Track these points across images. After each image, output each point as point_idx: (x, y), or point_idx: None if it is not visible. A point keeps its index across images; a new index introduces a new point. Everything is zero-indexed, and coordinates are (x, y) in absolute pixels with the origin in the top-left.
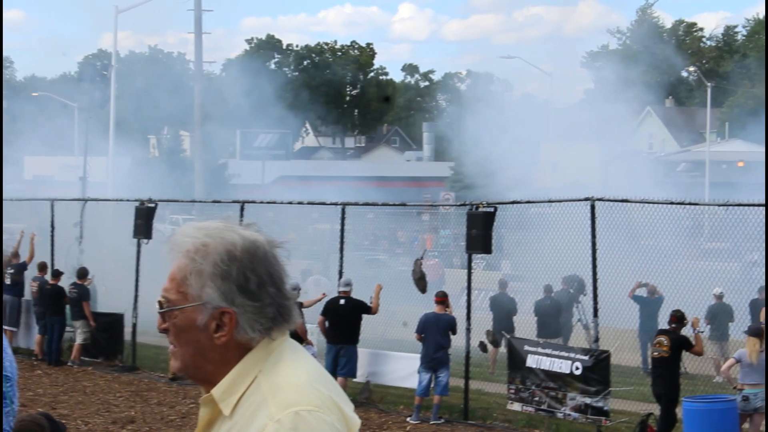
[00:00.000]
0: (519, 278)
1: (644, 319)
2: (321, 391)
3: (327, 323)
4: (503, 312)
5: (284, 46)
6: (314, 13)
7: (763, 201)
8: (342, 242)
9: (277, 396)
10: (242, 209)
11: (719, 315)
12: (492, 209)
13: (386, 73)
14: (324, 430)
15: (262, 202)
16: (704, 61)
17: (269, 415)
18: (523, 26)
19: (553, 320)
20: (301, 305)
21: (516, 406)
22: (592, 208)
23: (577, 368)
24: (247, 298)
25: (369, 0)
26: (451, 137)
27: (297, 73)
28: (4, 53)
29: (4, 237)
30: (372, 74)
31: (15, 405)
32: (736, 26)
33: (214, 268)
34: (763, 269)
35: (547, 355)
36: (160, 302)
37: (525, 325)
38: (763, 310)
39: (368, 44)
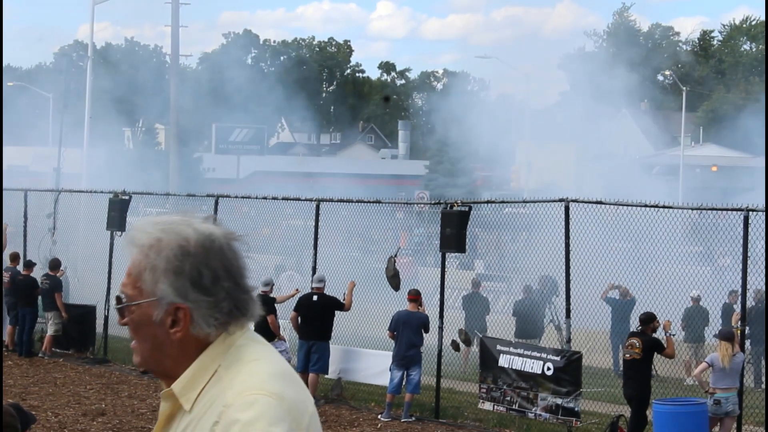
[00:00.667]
0: (492, 278)
1: (616, 321)
2: (274, 389)
3: (299, 319)
4: (476, 311)
5: (261, 41)
6: (292, 9)
7: (738, 205)
8: (316, 238)
9: (236, 390)
10: (216, 203)
11: (695, 318)
12: (466, 208)
13: (363, 71)
14: (278, 416)
15: (236, 197)
16: (680, 66)
17: (225, 403)
18: (501, 26)
19: (532, 321)
20: (273, 300)
21: (487, 406)
22: (567, 209)
23: (548, 369)
24: (200, 293)
25: None
26: (426, 136)
27: (273, 69)
28: None
29: None
30: (348, 71)
31: None
32: (712, 31)
33: (167, 264)
34: (735, 274)
35: (519, 355)
36: (118, 297)
37: (498, 324)
38: (735, 314)
39: (345, 41)
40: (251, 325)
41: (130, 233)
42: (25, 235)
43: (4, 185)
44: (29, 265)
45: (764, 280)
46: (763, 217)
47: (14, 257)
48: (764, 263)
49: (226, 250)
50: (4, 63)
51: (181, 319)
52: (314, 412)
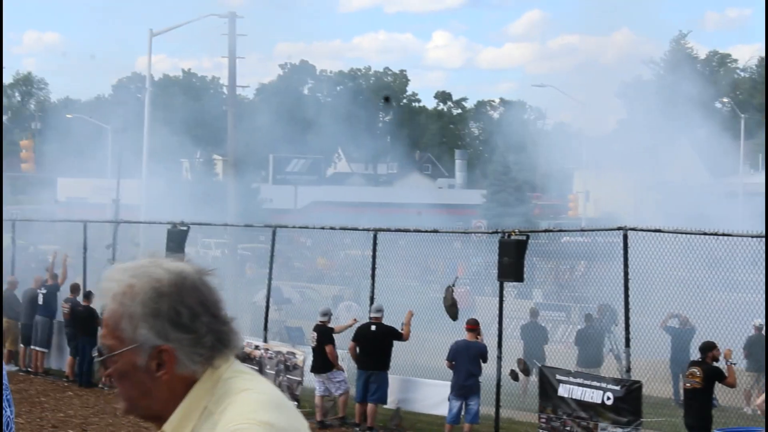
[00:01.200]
0: (550, 307)
1: (676, 350)
2: (266, 421)
3: (358, 349)
4: (534, 341)
5: (318, 72)
6: (348, 40)
7: None
8: (374, 268)
9: (224, 419)
10: (274, 234)
11: (757, 346)
12: (524, 237)
13: (419, 100)
14: None
15: (294, 227)
16: (738, 93)
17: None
18: (557, 55)
19: (593, 349)
20: (332, 330)
21: None
22: (625, 237)
23: (608, 398)
24: (181, 331)
25: (403, 27)
26: (483, 164)
27: (330, 99)
28: (40, 75)
29: (38, 258)
30: (405, 101)
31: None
32: None
33: (143, 308)
34: None
35: (579, 384)
36: (98, 350)
37: (557, 354)
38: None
39: (401, 70)
40: (235, 358)
41: (101, 284)
42: (84, 266)
43: (65, 217)
44: (89, 295)
45: None
46: None
47: (74, 288)
48: None
49: (199, 285)
50: (64, 95)
51: (166, 361)
52: None
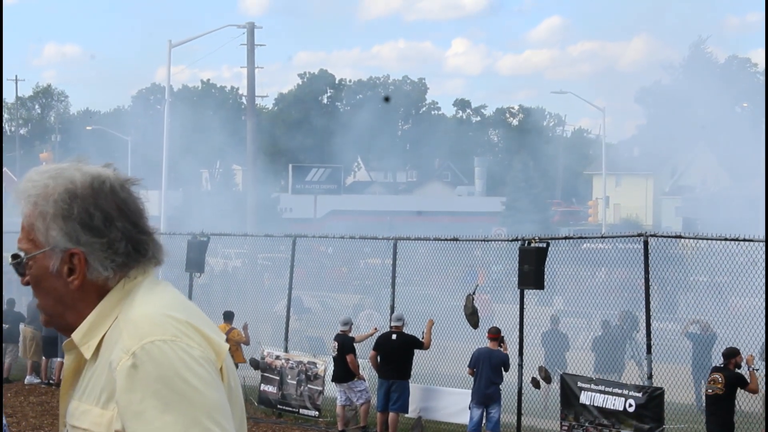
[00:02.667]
0: (571, 314)
1: (697, 357)
2: (175, 318)
3: (379, 358)
4: (555, 348)
5: (337, 81)
6: (368, 48)
7: None
8: (394, 277)
9: (131, 329)
10: (294, 243)
11: None
12: (544, 245)
13: (438, 108)
14: (181, 357)
15: (314, 237)
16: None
17: (123, 348)
18: (576, 61)
19: (612, 356)
20: (353, 340)
21: None
22: (645, 244)
23: (630, 405)
24: (92, 235)
25: (423, 35)
26: (502, 172)
27: (349, 108)
28: (60, 87)
29: None
30: (424, 109)
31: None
32: None
33: (55, 209)
34: None
35: (601, 391)
36: (13, 255)
37: (578, 361)
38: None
39: (420, 79)
40: (155, 270)
41: (19, 185)
42: None
43: None
44: None
45: None
46: None
47: None
48: None
49: (118, 190)
50: (84, 107)
51: (77, 265)
52: (216, 340)
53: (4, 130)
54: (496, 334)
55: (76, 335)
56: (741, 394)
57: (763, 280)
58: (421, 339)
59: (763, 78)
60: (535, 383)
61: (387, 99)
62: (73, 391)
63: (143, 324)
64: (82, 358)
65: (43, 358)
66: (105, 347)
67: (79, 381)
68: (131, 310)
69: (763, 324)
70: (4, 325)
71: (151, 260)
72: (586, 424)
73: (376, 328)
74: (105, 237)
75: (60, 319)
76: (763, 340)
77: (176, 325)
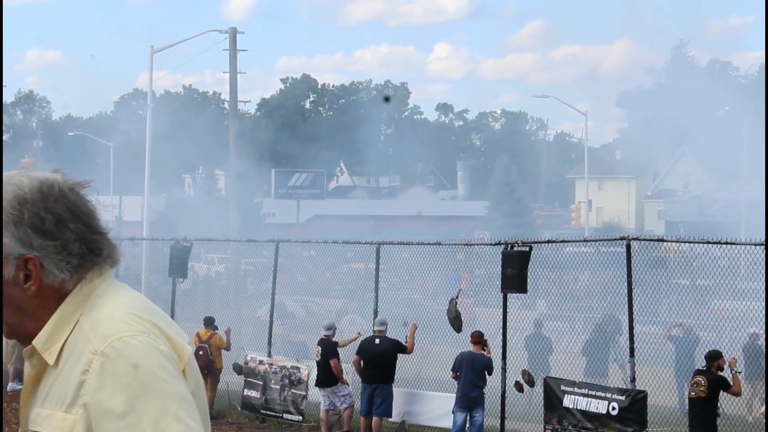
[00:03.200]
0: (555, 318)
1: (680, 359)
2: (140, 317)
3: (362, 363)
4: (539, 351)
5: (319, 86)
6: (350, 53)
7: None
8: (377, 281)
9: (97, 330)
10: (277, 248)
11: (749, 354)
12: (527, 248)
13: (421, 113)
14: (149, 351)
15: (297, 242)
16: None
17: (92, 350)
18: (559, 65)
19: (596, 359)
20: (336, 344)
21: None
22: (628, 247)
23: (613, 408)
24: (45, 238)
25: (405, 39)
26: (485, 176)
27: (332, 113)
28: (42, 92)
29: None
30: (407, 113)
31: None
32: None
33: (6, 217)
34: None
35: (584, 395)
36: None
37: (561, 364)
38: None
39: (402, 83)
40: (112, 272)
41: None
42: None
43: None
44: None
45: None
46: None
47: None
48: None
49: (67, 193)
50: (65, 113)
51: (32, 270)
52: (180, 343)
53: None
54: (479, 338)
55: (37, 342)
56: (723, 397)
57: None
58: (404, 343)
59: (744, 81)
60: (519, 387)
61: (387, 99)
62: (33, 399)
63: (109, 324)
64: (43, 365)
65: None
66: (67, 352)
67: (41, 387)
68: (95, 312)
69: (745, 327)
70: None
71: (107, 260)
72: (570, 428)
73: (359, 333)
74: (58, 239)
75: (20, 328)
76: (745, 343)
77: (141, 323)
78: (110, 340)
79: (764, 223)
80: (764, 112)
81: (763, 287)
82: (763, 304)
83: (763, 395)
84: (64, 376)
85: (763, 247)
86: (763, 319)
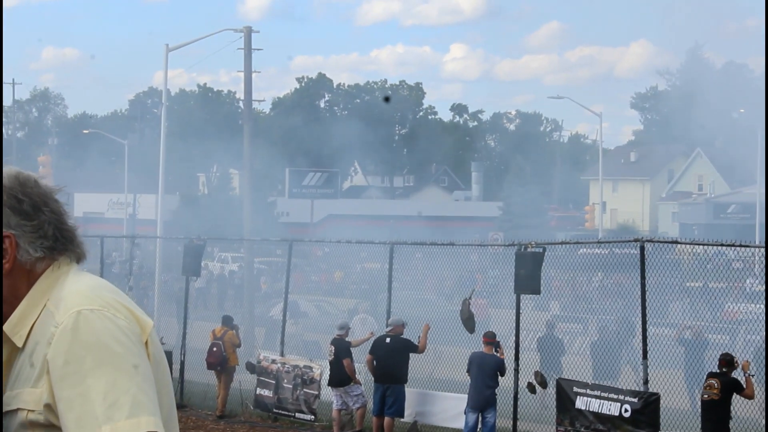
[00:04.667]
0: (568, 319)
1: (690, 362)
2: (103, 294)
3: (375, 362)
4: (551, 353)
5: (335, 85)
6: (366, 53)
7: None
8: (390, 281)
9: (60, 305)
10: (290, 248)
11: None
12: (541, 250)
13: (435, 113)
14: (106, 326)
15: (310, 241)
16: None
17: (55, 323)
18: (574, 66)
19: (609, 361)
20: (349, 344)
21: None
22: (642, 249)
23: (626, 410)
24: (21, 218)
25: (421, 40)
26: (499, 177)
27: (347, 112)
28: (57, 90)
29: None
30: (421, 114)
31: None
32: None
33: None
34: None
35: (596, 396)
36: None
37: (574, 366)
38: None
39: (417, 83)
40: (81, 264)
41: None
42: None
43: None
44: None
45: None
46: None
47: None
48: None
49: (42, 187)
50: (80, 111)
51: (8, 248)
52: (142, 317)
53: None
54: (491, 339)
55: (7, 326)
56: (736, 400)
57: (760, 286)
58: (416, 343)
59: (760, 83)
60: (531, 388)
61: (387, 99)
62: (6, 383)
63: (71, 298)
64: (12, 349)
65: None
66: (33, 334)
67: (11, 371)
68: (61, 291)
69: (758, 330)
70: None
71: (76, 250)
72: (582, 429)
73: (372, 333)
74: (34, 220)
75: None
76: (758, 345)
77: (104, 298)
78: (70, 311)
79: (764, 223)
80: (764, 111)
81: None
82: None
83: None
84: (30, 355)
85: None
86: None
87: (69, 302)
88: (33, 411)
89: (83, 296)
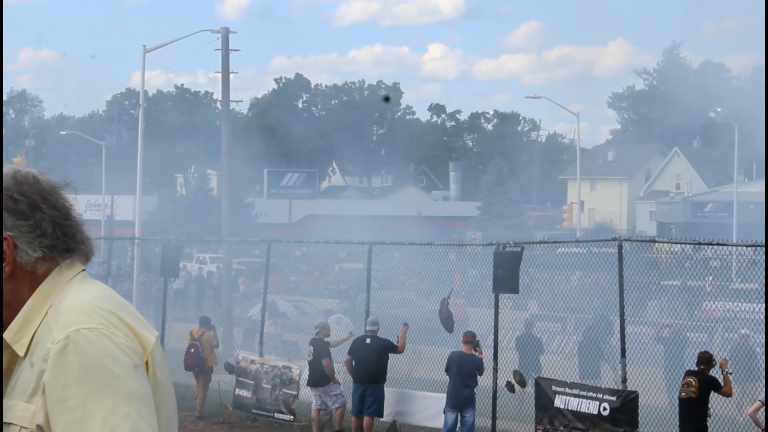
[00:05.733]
0: (546, 318)
1: (669, 360)
2: (102, 308)
3: (354, 362)
4: (530, 352)
5: (313, 86)
6: (345, 53)
7: None
8: (368, 281)
9: (59, 320)
10: (269, 248)
11: (739, 355)
12: (519, 249)
13: (413, 113)
14: (105, 345)
15: (288, 242)
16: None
17: (52, 339)
18: (552, 66)
19: (593, 361)
20: (328, 344)
21: None
22: (620, 248)
23: (604, 409)
24: (18, 218)
25: (400, 40)
26: (477, 176)
27: (324, 113)
28: (34, 92)
29: None
30: (399, 113)
31: None
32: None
33: None
34: None
35: (575, 395)
36: None
37: (553, 365)
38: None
39: (395, 83)
40: (85, 266)
41: None
42: None
43: None
44: None
45: None
46: None
47: None
48: None
49: (41, 182)
50: (58, 112)
51: (6, 251)
52: (143, 334)
53: None
54: (470, 338)
55: (8, 333)
56: (714, 397)
57: (738, 285)
58: (395, 343)
59: (738, 83)
60: (510, 387)
61: (387, 99)
62: (6, 391)
63: (70, 314)
64: (13, 356)
65: None
66: (35, 343)
67: (11, 379)
68: (61, 302)
69: (736, 328)
70: None
71: (80, 247)
72: (561, 428)
73: (350, 333)
74: (31, 219)
75: None
76: (735, 343)
77: (102, 314)
78: (68, 330)
79: (764, 223)
80: (764, 112)
81: (754, 288)
82: (755, 305)
83: (753, 396)
84: (29, 367)
85: (756, 249)
86: (755, 320)
87: (67, 318)
88: (26, 429)
89: (82, 313)
